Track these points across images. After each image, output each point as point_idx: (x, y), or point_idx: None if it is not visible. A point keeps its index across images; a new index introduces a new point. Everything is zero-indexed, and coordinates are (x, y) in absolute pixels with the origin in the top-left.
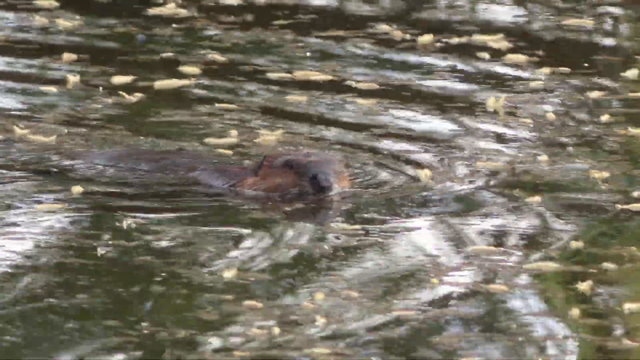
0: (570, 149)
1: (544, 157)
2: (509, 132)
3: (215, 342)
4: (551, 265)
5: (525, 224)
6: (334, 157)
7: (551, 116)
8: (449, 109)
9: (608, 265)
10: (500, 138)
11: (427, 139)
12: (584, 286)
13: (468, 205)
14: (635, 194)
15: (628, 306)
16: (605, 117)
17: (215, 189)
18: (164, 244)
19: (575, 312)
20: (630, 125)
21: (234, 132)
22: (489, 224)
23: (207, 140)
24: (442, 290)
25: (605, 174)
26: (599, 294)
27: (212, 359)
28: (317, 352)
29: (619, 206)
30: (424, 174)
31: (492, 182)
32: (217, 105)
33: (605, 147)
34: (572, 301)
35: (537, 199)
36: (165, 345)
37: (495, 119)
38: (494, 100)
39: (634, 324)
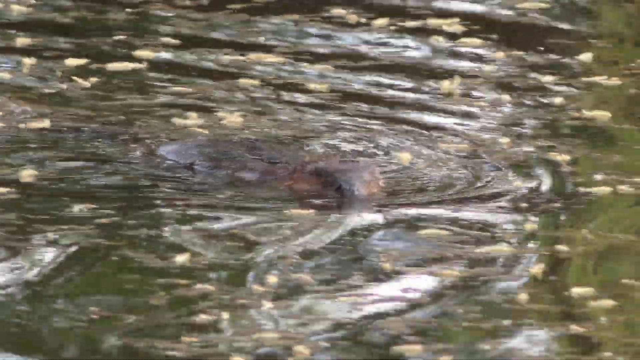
0: (529, 131)
1: (505, 139)
2: (466, 115)
3: (163, 327)
4: (504, 249)
5: (482, 207)
6: (367, 164)
7: (506, 99)
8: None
9: (561, 249)
10: (458, 121)
11: (388, 118)
12: (535, 270)
13: (426, 187)
14: (598, 177)
15: (576, 291)
16: (559, 100)
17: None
18: (116, 228)
19: (523, 296)
20: (586, 108)
21: (193, 115)
22: (446, 207)
23: (173, 120)
24: (392, 274)
25: (567, 157)
26: (550, 278)
27: (160, 345)
28: (265, 337)
29: (582, 189)
30: (405, 157)
31: (453, 165)
32: (172, 88)
33: (564, 130)
34: (522, 286)
35: (497, 181)
36: (113, 330)
37: (451, 102)
38: (448, 83)
39: (582, 309)
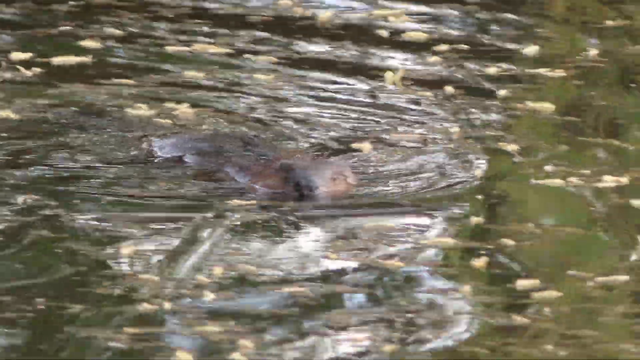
0: (477, 122)
1: (455, 129)
2: (412, 106)
3: (107, 317)
4: (450, 242)
5: (429, 198)
6: (337, 163)
7: (450, 90)
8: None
9: (506, 242)
10: (404, 112)
11: (338, 108)
12: (479, 262)
13: (373, 179)
14: (548, 167)
15: (520, 283)
16: (503, 92)
17: (237, 184)
18: (61, 219)
19: (466, 288)
20: (530, 100)
21: (143, 106)
22: (393, 198)
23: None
24: (338, 265)
25: (516, 147)
26: (494, 270)
27: (102, 335)
28: (207, 330)
29: (535, 181)
30: (365, 147)
31: (402, 155)
32: (115, 80)
33: (510, 121)
34: (467, 278)
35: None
36: (59, 321)
37: (396, 94)
38: (391, 74)
39: (524, 300)
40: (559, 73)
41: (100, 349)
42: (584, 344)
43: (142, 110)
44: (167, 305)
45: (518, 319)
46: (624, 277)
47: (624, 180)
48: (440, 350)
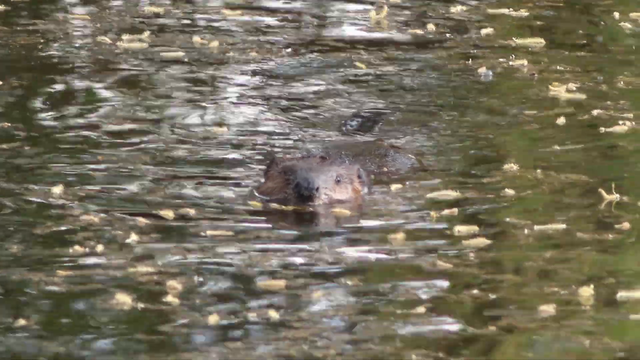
0: (444, 115)
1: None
2: (370, 100)
3: (40, 259)
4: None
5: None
6: (343, 166)
7: (432, 28)
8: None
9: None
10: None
11: (295, 99)
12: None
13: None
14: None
15: (459, 228)
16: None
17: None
18: None
19: (400, 235)
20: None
21: None
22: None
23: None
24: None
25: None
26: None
27: (35, 277)
28: (140, 271)
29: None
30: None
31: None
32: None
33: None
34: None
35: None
36: None
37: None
38: (374, 12)
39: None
40: None
41: (36, 292)
42: (501, 287)
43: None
44: (100, 248)
45: (443, 264)
46: (561, 226)
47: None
48: (364, 290)
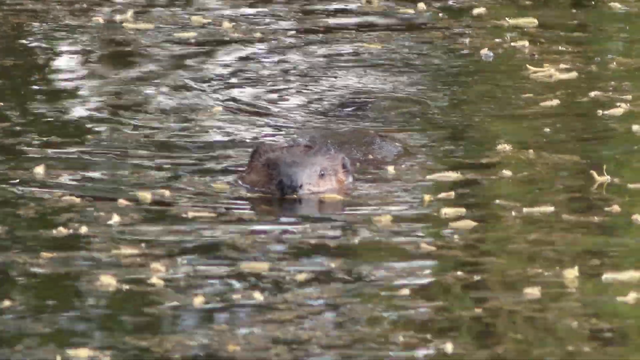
0: (437, 97)
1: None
2: (360, 82)
3: (25, 241)
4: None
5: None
6: (328, 155)
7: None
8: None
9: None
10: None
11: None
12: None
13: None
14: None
15: (445, 210)
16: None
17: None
18: None
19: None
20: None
21: None
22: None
23: None
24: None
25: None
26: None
27: (20, 259)
28: (124, 253)
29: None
30: None
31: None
32: None
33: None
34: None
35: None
36: None
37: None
38: None
39: (439, 228)
40: None
41: (21, 273)
42: (486, 269)
43: None
44: (83, 229)
45: (426, 247)
46: (549, 208)
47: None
48: (348, 272)
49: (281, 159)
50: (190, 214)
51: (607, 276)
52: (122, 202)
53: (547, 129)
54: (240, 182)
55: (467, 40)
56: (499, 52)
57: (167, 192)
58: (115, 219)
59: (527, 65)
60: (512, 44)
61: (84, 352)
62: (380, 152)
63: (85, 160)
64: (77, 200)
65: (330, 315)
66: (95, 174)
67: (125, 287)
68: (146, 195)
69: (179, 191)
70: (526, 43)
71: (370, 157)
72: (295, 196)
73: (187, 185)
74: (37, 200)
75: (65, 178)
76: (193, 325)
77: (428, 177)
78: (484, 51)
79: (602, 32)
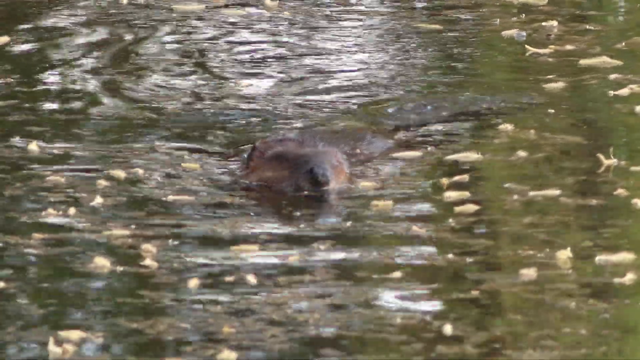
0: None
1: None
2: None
3: (15, 222)
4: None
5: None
6: (332, 149)
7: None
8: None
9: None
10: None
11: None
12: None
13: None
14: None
15: (448, 194)
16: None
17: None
18: None
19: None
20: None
21: None
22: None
23: None
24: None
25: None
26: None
27: (12, 240)
28: (115, 234)
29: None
30: None
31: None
32: None
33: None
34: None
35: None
36: None
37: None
38: None
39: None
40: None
41: (14, 255)
42: (481, 252)
43: None
44: (72, 211)
45: (420, 230)
46: (555, 192)
47: None
48: (341, 255)
49: (301, 152)
50: (171, 198)
51: (601, 258)
52: (101, 182)
53: (551, 110)
54: (245, 181)
55: (497, 21)
56: (528, 32)
57: (140, 171)
58: (98, 200)
59: (526, 46)
60: (543, 23)
61: (76, 333)
62: (367, 148)
63: (71, 138)
64: (61, 179)
65: (324, 298)
66: (81, 152)
67: (120, 268)
68: (120, 174)
69: (152, 171)
70: (555, 23)
71: (357, 151)
72: (324, 187)
73: (159, 164)
74: (22, 179)
75: (52, 155)
76: (187, 308)
77: (456, 156)
78: (515, 32)
79: (612, 12)
